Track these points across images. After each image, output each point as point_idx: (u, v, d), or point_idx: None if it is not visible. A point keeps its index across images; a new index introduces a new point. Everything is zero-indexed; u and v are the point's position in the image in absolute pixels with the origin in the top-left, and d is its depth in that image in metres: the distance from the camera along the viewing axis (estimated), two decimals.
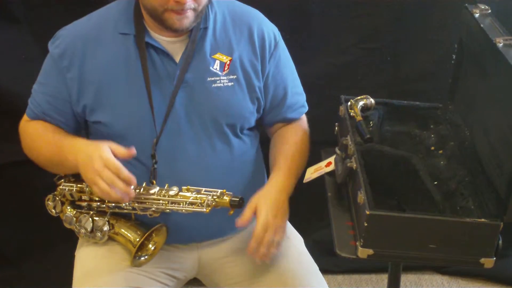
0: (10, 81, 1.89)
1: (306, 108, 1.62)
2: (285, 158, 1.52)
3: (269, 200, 1.42)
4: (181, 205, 1.34)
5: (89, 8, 1.50)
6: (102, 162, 1.27)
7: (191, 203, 1.34)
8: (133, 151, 1.32)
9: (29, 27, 1.91)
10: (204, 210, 1.33)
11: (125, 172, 1.29)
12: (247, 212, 1.40)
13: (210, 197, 1.33)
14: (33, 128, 1.47)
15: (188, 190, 1.36)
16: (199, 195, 1.34)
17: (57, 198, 1.48)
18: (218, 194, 1.34)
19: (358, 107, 1.59)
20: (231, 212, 1.35)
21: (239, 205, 1.33)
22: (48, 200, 1.49)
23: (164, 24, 1.35)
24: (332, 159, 1.59)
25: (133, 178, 1.30)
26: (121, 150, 1.31)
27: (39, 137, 1.45)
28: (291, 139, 1.56)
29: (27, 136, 1.48)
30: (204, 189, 1.36)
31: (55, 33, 1.46)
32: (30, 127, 1.48)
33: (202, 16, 1.41)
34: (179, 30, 1.36)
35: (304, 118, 1.63)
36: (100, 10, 1.48)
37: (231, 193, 1.34)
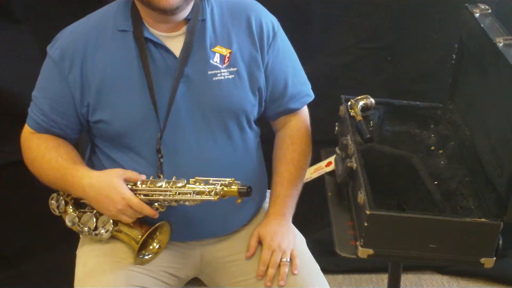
0: (10, 81, 1.89)
1: (311, 97, 1.60)
2: (281, 184, 1.56)
3: (270, 226, 1.51)
4: (189, 195, 1.34)
5: (90, 8, 1.49)
6: (125, 203, 1.34)
7: (199, 193, 1.34)
8: (143, 176, 1.38)
9: (29, 27, 1.92)
10: (212, 198, 1.33)
11: (148, 209, 1.36)
12: (252, 241, 1.50)
13: (218, 186, 1.34)
14: (36, 144, 1.46)
15: (196, 181, 1.36)
16: (207, 186, 1.35)
17: (61, 198, 1.48)
18: (226, 183, 1.34)
19: (358, 107, 1.59)
20: (239, 201, 1.35)
21: (247, 193, 1.33)
22: (52, 199, 1.49)
23: (151, 5, 1.34)
24: (332, 159, 1.59)
25: (156, 213, 1.37)
26: (134, 176, 1.37)
27: (41, 157, 1.44)
28: (288, 156, 1.57)
29: (30, 152, 1.47)
30: (212, 179, 1.36)
31: (54, 37, 1.45)
32: (32, 142, 1.47)
33: (193, 1, 1.40)
34: (166, 9, 1.33)
35: (305, 111, 1.62)
36: (99, 10, 1.48)
37: (239, 182, 1.34)
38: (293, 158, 1.57)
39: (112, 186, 1.34)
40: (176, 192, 1.35)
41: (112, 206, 1.35)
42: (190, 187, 1.35)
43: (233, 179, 1.35)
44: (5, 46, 1.91)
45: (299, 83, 1.58)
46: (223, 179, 1.35)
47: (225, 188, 1.33)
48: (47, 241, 2.11)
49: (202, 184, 1.35)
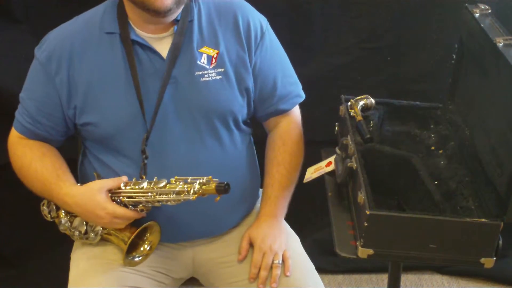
0: (10, 81, 1.89)
1: (302, 98, 1.60)
2: (272, 186, 1.55)
3: (261, 228, 1.50)
4: (169, 196, 1.34)
5: (89, 8, 1.49)
6: (110, 216, 1.36)
7: (178, 193, 1.33)
8: (124, 178, 1.39)
9: (29, 27, 1.91)
10: (191, 198, 1.32)
11: (134, 215, 1.37)
12: (243, 243, 1.50)
13: (196, 185, 1.33)
14: (21, 152, 1.46)
15: (176, 180, 1.36)
16: (186, 185, 1.34)
17: (52, 203, 1.48)
18: (204, 181, 1.33)
19: (358, 107, 1.59)
20: (218, 198, 1.34)
21: (225, 190, 1.32)
22: (43, 205, 1.49)
23: (144, 5, 1.33)
24: (332, 159, 1.58)
25: (143, 214, 1.39)
26: (116, 183, 1.37)
27: (27, 167, 1.44)
28: (279, 157, 1.56)
29: (16, 159, 1.48)
30: (190, 178, 1.35)
31: (42, 39, 1.45)
32: (18, 150, 1.47)
33: (184, 4, 1.40)
34: (160, 10, 1.33)
35: (296, 112, 1.61)
36: (86, 12, 1.48)
37: (217, 179, 1.33)
38: (284, 159, 1.56)
39: (95, 202, 1.35)
40: (157, 193, 1.35)
41: (99, 220, 1.37)
42: (171, 186, 1.35)
43: (210, 176, 1.33)
44: (5, 46, 1.91)
45: (289, 84, 1.56)
46: (201, 177, 1.34)
47: (204, 186, 1.32)
48: (47, 241, 2.11)
49: (181, 183, 1.34)
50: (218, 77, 1.44)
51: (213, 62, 1.44)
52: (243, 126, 1.53)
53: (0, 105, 1.90)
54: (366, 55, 2.12)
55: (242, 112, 1.50)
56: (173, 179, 1.36)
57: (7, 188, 2.03)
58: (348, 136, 1.53)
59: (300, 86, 1.60)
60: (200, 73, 1.43)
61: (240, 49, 1.46)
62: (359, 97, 1.63)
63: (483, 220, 1.27)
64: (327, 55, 2.12)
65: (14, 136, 1.49)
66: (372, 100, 1.63)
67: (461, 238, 1.28)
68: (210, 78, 1.43)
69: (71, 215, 1.46)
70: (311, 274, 1.49)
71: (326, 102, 1.80)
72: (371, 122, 1.63)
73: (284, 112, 1.58)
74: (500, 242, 1.29)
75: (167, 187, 1.34)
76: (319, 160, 1.67)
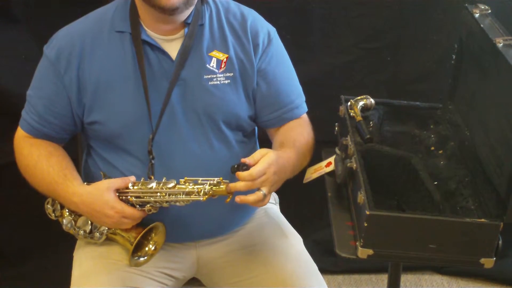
0: (10, 81, 1.89)
1: (304, 109, 1.58)
2: (293, 146, 1.45)
3: (276, 157, 1.34)
4: (179, 196, 1.34)
5: (89, 7, 1.50)
6: (119, 215, 1.35)
7: (188, 193, 1.33)
8: (132, 178, 1.38)
9: (29, 27, 1.92)
10: (201, 198, 1.32)
11: (142, 215, 1.37)
12: (256, 154, 1.32)
13: (207, 186, 1.33)
14: (28, 151, 1.45)
15: (185, 181, 1.36)
16: (196, 186, 1.34)
17: (56, 202, 1.48)
18: (214, 182, 1.33)
19: (358, 107, 1.59)
20: (228, 200, 1.34)
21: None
22: (47, 204, 1.49)
23: (151, 2, 1.33)
24: (332, 159, 1.59)
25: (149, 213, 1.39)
26: (124, 183, 1.37)
27: (33, 166, 1.44)
28: (299, 137, 1.50)
29: (22, 158, 1.47)
30: (201, 179, 1.35)
31: (51, 37, 1.45)
32: (24, 149, 1.46)
33: (193, 5, 1.40)
34: (166, 7, 1.33)
35: (305, 118, 1.60)
36: (97, 10, 1.48)
37: (227, 181, 1.33)
38: (296, 141, 1.47)
39: (103, 201, 1.34)
40: (166, 193, 1.35)
41: (107, 219, 1.36)
42: (180, 187, 1.35)
43: (221, 178, 1.34)
44: (5, 46, 1.91)
45: (292, 94, 1.54)
46: (211, 178, 1.34)
47: (214, 188, 1.33)
48: (47, 241, 2.11)
49: (191, 184, 1.35)
50: (226, 81, 1.45)
51: (222, 66, 1.44)
52: (248, 129, 1.53)
53: (0, 105, 1.90)
54: (366, 55, 2.12)
55: (247, 116, 1.50)
56: (183, 180, 1.36)
57: (8, 188, 2.04)
58: (348, 136, 1.53)
59: (303, 98, 1.58)
60: (209, 76, 1.44)
61: (248, 54, 1.47)
62: (359, 97, 1.63)
63: (483, 220, 1.27)
64: (327, 55, 2.12)
65: (20, 135, 1.49)
66: (372, 100, 1.63)
67: (461, 238, 1.28)
68: (218, 82, 1.44)
69: (75, 214, 1.46)
70: (314, 275, 1.49)
71: (326, 102, 1.80)
72: (371, 122, 1.63)
73: (286, 121, 1.54)
74: (500, 242, 1.29)
75: (176, 188, 1.35)
76: (319, 160, 1.67)
